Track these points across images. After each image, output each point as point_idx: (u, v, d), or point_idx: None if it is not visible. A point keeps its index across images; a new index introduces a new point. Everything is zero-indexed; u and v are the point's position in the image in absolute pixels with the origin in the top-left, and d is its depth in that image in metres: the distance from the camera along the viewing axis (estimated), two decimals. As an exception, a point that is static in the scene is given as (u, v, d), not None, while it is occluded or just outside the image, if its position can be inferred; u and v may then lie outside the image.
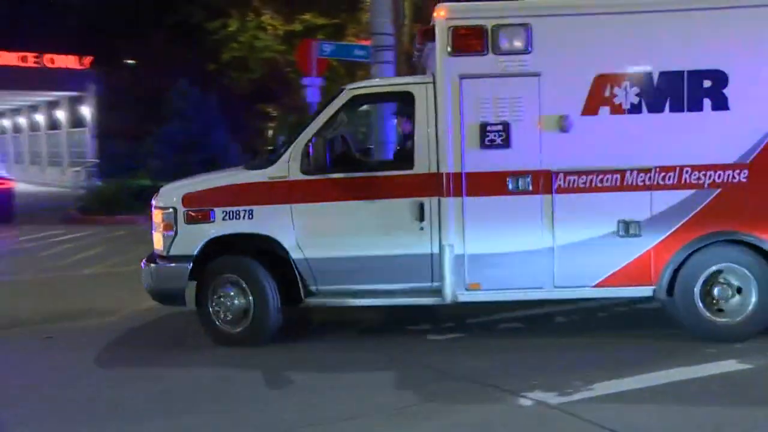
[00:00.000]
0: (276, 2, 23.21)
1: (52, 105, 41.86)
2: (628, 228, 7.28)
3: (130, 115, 28.35)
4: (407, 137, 7.89)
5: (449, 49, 7.30)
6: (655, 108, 7.25)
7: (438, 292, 7.47)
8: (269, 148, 15.86)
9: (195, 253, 7.70)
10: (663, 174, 7.26)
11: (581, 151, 7.29)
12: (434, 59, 7.46)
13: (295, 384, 6.69)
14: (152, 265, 7.94)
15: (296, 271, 7.59)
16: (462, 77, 7.30)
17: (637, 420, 5.58)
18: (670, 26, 7.24)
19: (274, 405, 6.16)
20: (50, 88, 36.54)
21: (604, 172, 7.28)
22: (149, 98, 25.87)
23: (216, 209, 7.68)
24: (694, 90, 7.22)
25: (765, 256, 7.27)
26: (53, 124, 42.66)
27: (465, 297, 7.45)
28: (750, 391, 6.10)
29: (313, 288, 7.67)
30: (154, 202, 8.07)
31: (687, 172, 7.26)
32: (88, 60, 32.28)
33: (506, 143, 7.30)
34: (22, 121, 48.61)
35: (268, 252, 7.69)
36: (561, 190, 7.30)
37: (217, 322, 7.77)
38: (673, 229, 7.28)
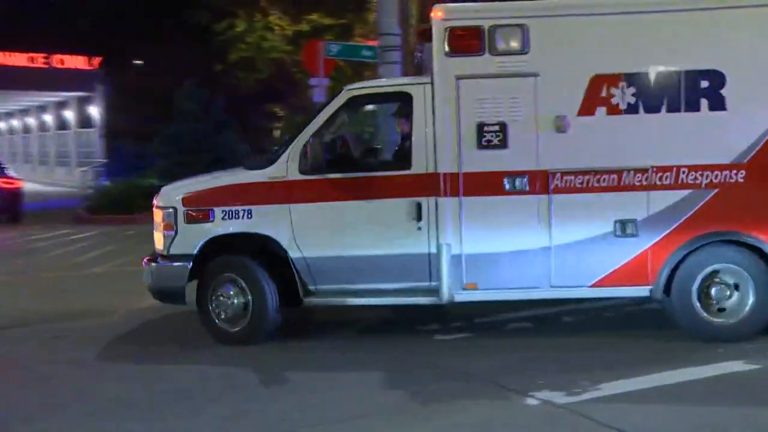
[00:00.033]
0: (283, 3, 23.29)
1: (61, 105, 42.13)
2: (624, 228, 7.29)
3: (138, 116, 28.53)
4: (405, 137, 7.93)
5: (446, 49, 7.32)
6: (652, 108, 7.26)
7: (435, 291, 7.49)
8: (276, 148, 15.90)
9: (195, 252, 7.75)
10: (660, 174, 7.27)
11: (578, 152, 7.30)
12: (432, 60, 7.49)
13: (296, 384, 6.69)
14: (153, 264, 8.01)
15: (294, 271, 7.63)
16: (459, 78, 7.33)
17: (644, 420, 5.54)
18: (666, 27, 7.26)
19: (274, 405, 6.15)
20: (59, 88, 36.83)
21: (601, 172, 7.29)
22: (157, 98, 26.04)
23: (215, 209, 7.73)
24: (691, 90, 7.23)
25: (762, 256, 7.26)
26: (62, 125, 42.95)
27: (462, 296, 7.48)
28: (758, 392, 6.06)
29: (311, 287, 7.70)
30: (155, 202, 8.15)
31: (684, 172, 7.27)
32: (96, 60, 32.53)
33: (503, 143, 7.32)
34: (31, 121, 48.93)
35: (267, 251, 7.74)
36: (558, 190, 7.32)
37: (216, 321, 7.82)
38: (671, 229, 7.28)
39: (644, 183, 7.28)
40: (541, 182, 7.32)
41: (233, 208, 7.69)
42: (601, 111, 7.28)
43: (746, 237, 7.25)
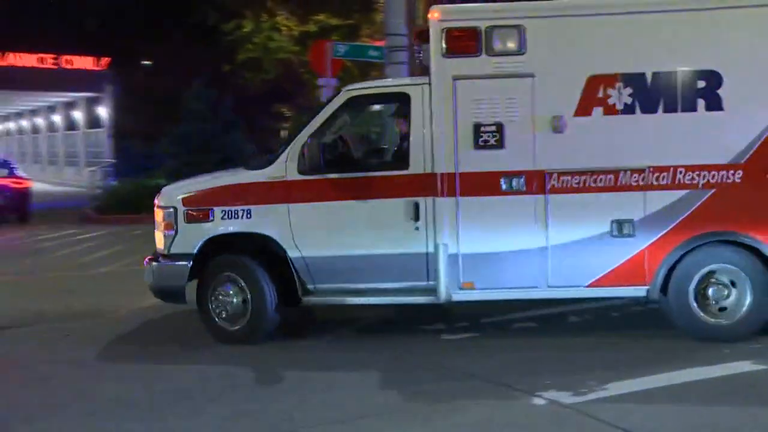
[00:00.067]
0: (290, 3, 23.35)
1: (70, 106, 42.34)
2: (621, 228, 7.30)
3: (146, 116, 28.67)
4: (403, 138, 7.97)
5: (443, 50, 7.36)
6: (649, 108, 7.27)
7: (433, 290, 7.51)
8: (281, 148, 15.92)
9: (195, 251, 7.81)
10: (657, 174, 7.28)
11: (575, 152, 7.32)
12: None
13: (296, 383, 6.70)
14: (154, 263, 8.08)
15: (293, 270, 7.68)
16: (456, 78, 7.36)
17: (651, 420, 5.52)
18: (663, 27, 7.27)
19: (274, 405, 6.15)
20: (68, 89, 37.02)
21: (598, 172, 7.30)
22: (165, 99, 26.15)
23: (215, 209, 7.78)
24: (688, 90, 7.24)
25: (759, 256, 7.26)
26: (70, 125, 43.15)
27: (459, 296, 7.50)
28: (766, 393, 6.03)
29: (310, 287, 7.74)
30: (156, 202, 8.22)
31: (681, 172, 7.27)
32: (105, 61, 32.71)
33: (500, 144, 7.34)
34: (40, 121, 49.16)
35: (266, 251, 7.78)
36: (554, 190, 7.33)
37: (216, 320, 7.87)
38: (667, 230, 7.29)
39: (641, 183, 7.29)
40: (537, 182, 7.34)
41: (233, 208, 7.74)
42: (597, 111, 7.30)
43: (743, 237, 7.24)
